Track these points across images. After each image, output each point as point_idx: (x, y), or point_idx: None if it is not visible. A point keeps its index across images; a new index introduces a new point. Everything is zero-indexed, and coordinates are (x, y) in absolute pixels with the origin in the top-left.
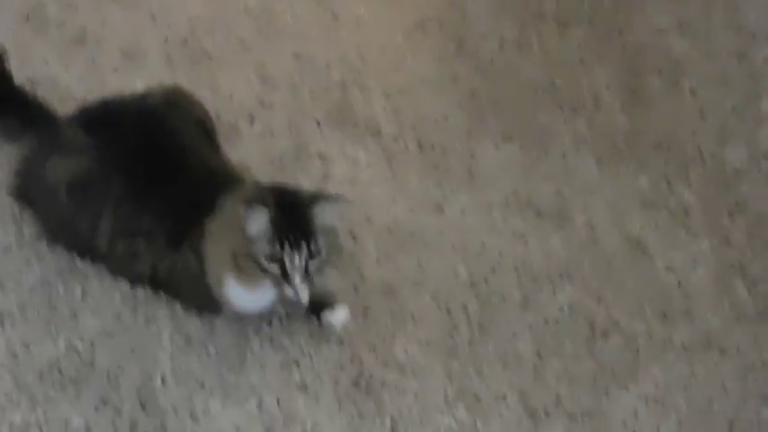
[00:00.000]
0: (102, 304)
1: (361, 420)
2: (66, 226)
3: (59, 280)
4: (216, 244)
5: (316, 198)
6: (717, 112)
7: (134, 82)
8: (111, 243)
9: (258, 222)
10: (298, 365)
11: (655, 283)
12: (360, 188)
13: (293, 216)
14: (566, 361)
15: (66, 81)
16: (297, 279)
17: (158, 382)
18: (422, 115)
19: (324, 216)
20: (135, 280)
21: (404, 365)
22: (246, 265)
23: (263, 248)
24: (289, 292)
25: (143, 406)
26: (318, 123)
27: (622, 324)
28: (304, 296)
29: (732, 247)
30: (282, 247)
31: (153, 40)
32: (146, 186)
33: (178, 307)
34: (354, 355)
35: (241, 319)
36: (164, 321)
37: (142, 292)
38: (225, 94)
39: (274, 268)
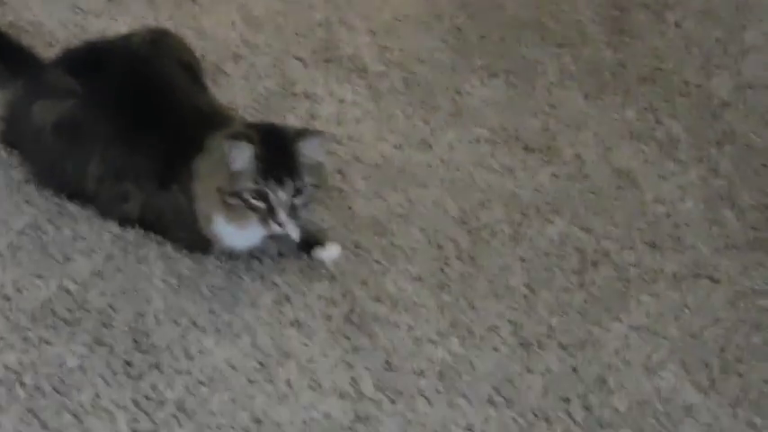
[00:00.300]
0: (93, 246)
1: (355, 354)
2: (54, 169)
3: (49, 223)
4: (204, 183)
5: (300, 134)
6: (702, 44)
7: (117, 25)
8: (100, 185)
9: (242, 158)
10: (290, 302)
11: (644, 213)
12: (347, 126)
13: (278, 152)
14: (557, 292)
15: (49, 26)
16: (282, 215)
17: (151, 321)
18: (407, 52)
19: (309, 152)
20: (124, 221)
21: (396, 300)
22: (234, 203)
23: (248, 185)
24: (275, 228)
25: (137, 345)
26: (304, 63)
27: (612, 255)
28: (293, 232)
29: (720, 176)
30: (267, 183)
31: None
32: (134, 128)
33: (169, 248)
34: (346, 291)
35: (232, 257)
36: (155, 262)
37: (133, 234)
38: (209, 36)
39: (260, 205)
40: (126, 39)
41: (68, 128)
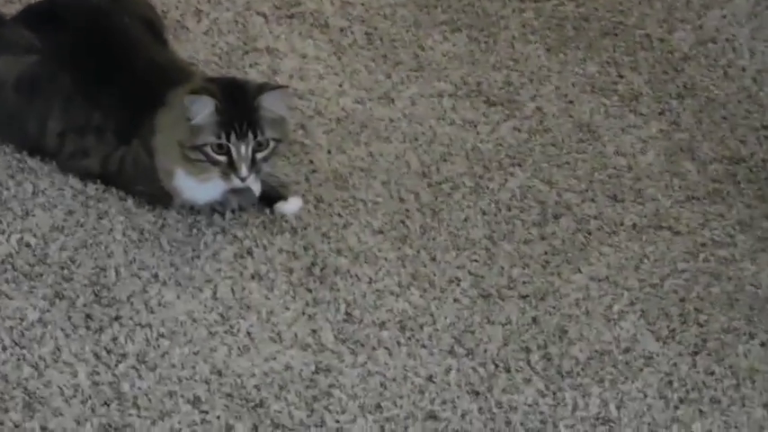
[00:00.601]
0: (53, 201)
1: (316, 307)
2: (15, 124)
3: (10, 178)
4: (165, 137)
5: (262, 88)
6: None
7: None
8: (61, 140)
9: (203, 112)
10: (251, 255)
11: (605, 166)
12: (309, 81)
13: (239, 106)
14: (518, 245)
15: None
16: (244, 169)
17: (112, 274)
18: (370, 8)
19: (271, 106)
20: (85, 176)
21: (357, 253)
22: (194, 157)
23: (209, 139)
24: (236, 182)
25: (97, 299)
26: (266, 18)
27: (574, 207)
28: (255, 186)
29: (681, 129)
30: (229, 138)
31: None
32: (94, 83)
33: (130, 202)
34: (308, 244)
35: (193, 211)
36: (116, 217)
37: (93, 189)
38: None
39: (221, 159)
40: None
41: (28, 83)
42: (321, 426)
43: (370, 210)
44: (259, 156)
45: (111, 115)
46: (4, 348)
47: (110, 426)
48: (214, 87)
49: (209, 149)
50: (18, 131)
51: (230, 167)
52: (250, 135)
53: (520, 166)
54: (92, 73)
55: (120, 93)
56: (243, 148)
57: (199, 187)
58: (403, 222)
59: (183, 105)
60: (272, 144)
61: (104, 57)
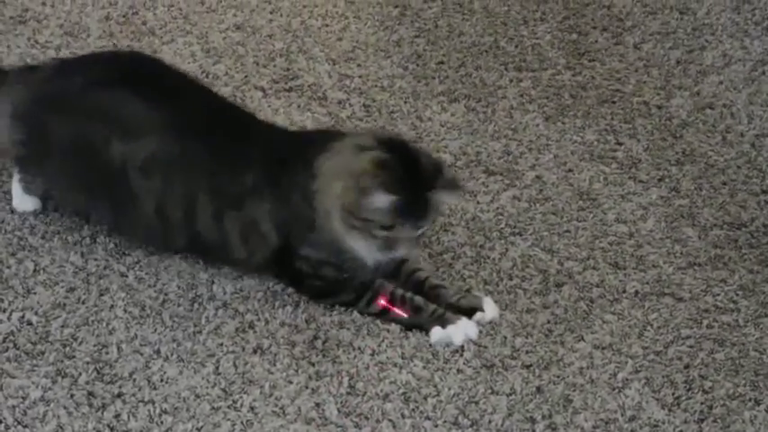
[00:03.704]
0: (54, 278)
1: (319, 380)
2: (139, 213)
3: (11, 256)
4: (327, 186)
5: (437, 176)
6: (661, 65)
7: None
8: (218, 222)
9: (380, 206)
10: (253, 329)
11: (606, 234)
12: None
13: (414, 196)
14: (520, 314)
15: (8, 60)
16: (402, 250)
17: (114, 351)
18: (367, 79)
19: (443, 199)
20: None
21: (360, 325)
22: (357, 225)
23: (382, 220)
24: (390, 256)
25: (100, 376)
26: (264, 92)
27: (575, 275)
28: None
29: (681, 195)
30: (401, 225)
31: (94, 17)
32: (230, 145)
33: (131, 278)
34: (310, 317)
35: (194, 285)
36: (117, 293)
37: (94, 265)
38: None
39: (383, 234)
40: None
41: (157, 167)
42: None
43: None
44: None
45: (262, 171)
46: (7, 428)
47: None
48: (391, 170)
49: (373, 227)
50: (145, 227)
51: (391, 244)
52: (421, 224)
53: (520, 235)
54: (220, 136)
55: (259, 151)
56: (411, 233)
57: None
58: None
59: (357, 178)
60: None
61: (216, 116)
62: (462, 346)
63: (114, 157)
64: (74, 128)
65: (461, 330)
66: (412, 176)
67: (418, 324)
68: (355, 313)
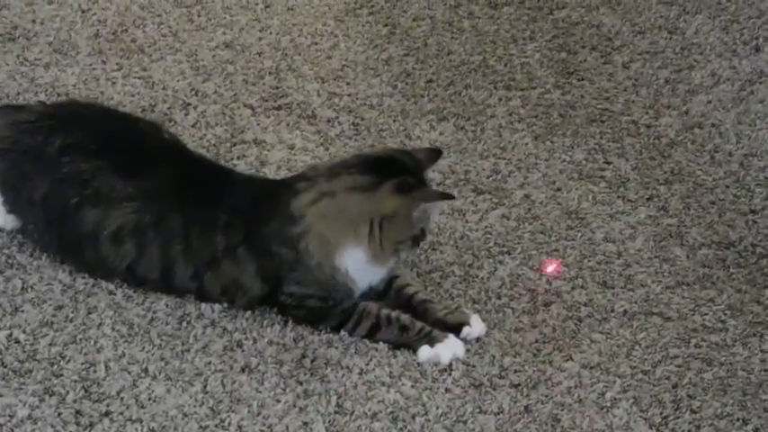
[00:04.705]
0: (42, 296)
1: (307, 399)
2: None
3: None
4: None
5: (423, 163)
6: (650, 84)
7: (66, 76)
8: (198, 281)
9: (421, 215)
10: (241, 348)
11: (594, 253)
12: (297, 172)
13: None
14: (508, 333)
15: None
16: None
17: (102, 369)
18: (356, 98)
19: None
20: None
21: (348, 344)
22: (402, 248)
23: (422, 224)
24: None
25: (88, 393)
26: (253, 110)
27: (563, 295)
28: None
29: (670, 215)
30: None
31: (83, 34)
32: (202, 209)
33: (119, 296)
34: (298, 336)
35: (182, 303)
36: (105, 311)
37: (83, 283)
38: (158, 86)
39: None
40: (156, 128)
41: (133, 233)
42: None
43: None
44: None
45: (231, 233)
46: None
47: None
48: (408, 184)
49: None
50: (122, 274)
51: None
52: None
53: (509, 253)
54: (193, 201)
55: (230, 211)
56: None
57: (370, 271)
58: None
59: (406, 206)
60: None
61: (201, 186)
62: (451, 365)
63: (87, 222)
64: (48, 188)
65: (449, 349)
66: (412, 174)
67: (406, 343)
68: (343, 332)
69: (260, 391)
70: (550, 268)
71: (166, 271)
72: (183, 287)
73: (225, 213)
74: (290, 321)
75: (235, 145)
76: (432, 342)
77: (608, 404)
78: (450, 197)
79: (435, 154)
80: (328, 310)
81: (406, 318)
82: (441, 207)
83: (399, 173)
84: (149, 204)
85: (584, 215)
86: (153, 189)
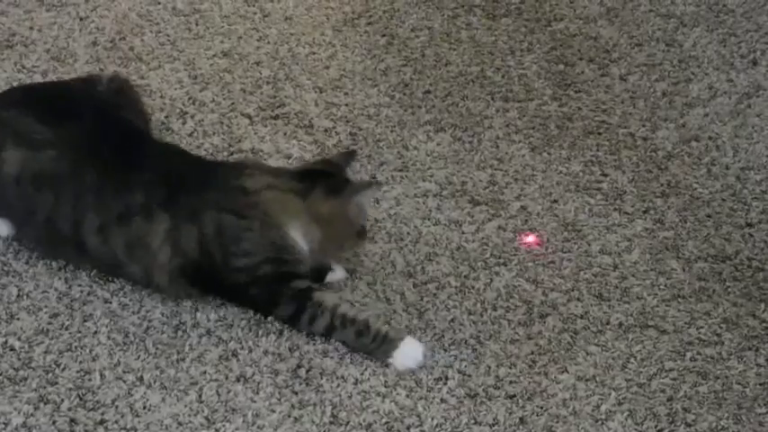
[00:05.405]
0: (38, 304)
1: (302, 409)
2: (36, 221)
3: None
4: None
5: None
6: (647, 97)
7: None
8: (104, 235)
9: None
10: (237, 357)
11: (590, 265)
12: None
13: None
14: (504, 344)
15: None
16: None
17: (97, 378)
18: (353, 108)
19: None
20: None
21: (343, 353)
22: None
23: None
24: None
25: (82, 402)
26: (250, 119)
27: (559, 307)
28: None
29: (666, 227)
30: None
31: (81, 42)
32: (122, 169)
33: (115, 304)
34: (293, 345)
35: (178, 313)
36: (101, 319)
37: (78, 291)
38: (155, 94)
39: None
40: (89, 85)
41: (50, 181)
42: None
43: (356, 310)
44: None
45: (153, 191)
46: None
47: None
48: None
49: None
50: (43, 229)
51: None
52: None
53: (505, 265)
54: (116, 161)
55: (154, 172)
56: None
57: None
58: (389, 323)
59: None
60: None
61: (122, 145)
62: (446, 375)
63: (10, 164)
64: None
65: (406, 357)
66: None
67: (362, 348)
68: (339, 342)
69: (255, 401)
70: (530, 239)
71: (77, 226)
72: (93, 248)
73: (149, 172)
74: (286, 330)
75: (232, 154)
76: (389, 349)
77: (603, 417)
78: (378, 184)
79: (350, 155)
80: (282, 282)
81: (362, 321)
82: (371, 197)
83: (325, 179)
84: (67, 153)
85: (580, 227)
86: (72, 138)
